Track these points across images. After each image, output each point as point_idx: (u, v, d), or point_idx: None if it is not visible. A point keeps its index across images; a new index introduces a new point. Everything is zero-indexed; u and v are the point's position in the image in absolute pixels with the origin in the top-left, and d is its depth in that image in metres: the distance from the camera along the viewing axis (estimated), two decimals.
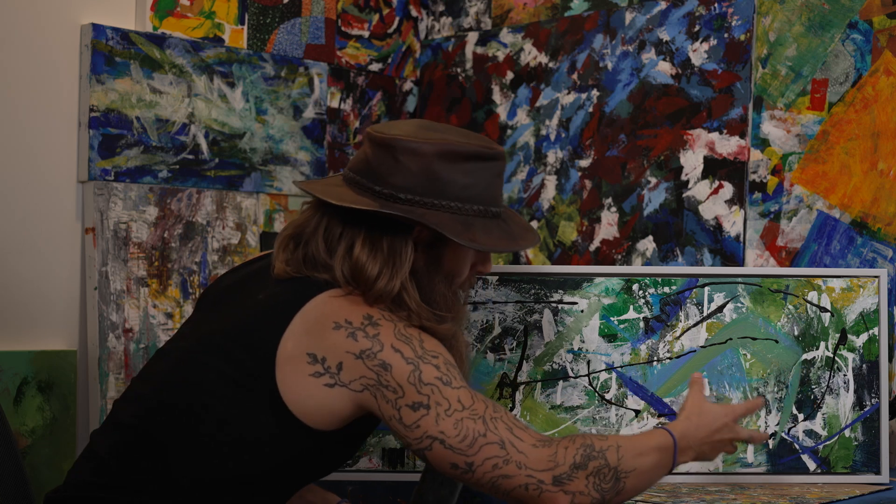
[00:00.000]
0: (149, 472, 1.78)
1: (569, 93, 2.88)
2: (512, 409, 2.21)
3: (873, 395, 2.22)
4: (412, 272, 1.82)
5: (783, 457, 2.21)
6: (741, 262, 2.57)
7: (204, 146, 2.68)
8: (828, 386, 2.22)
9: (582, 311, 2.24)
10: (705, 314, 2.24)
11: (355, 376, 1.73)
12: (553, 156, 2.89)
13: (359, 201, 1.81)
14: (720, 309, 2.23)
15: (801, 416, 2.22)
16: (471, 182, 1.83)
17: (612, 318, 2.24)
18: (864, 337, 2.23)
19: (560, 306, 2.24)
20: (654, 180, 2.72)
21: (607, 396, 2.22)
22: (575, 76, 2.87)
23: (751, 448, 2.21)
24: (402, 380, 1.72)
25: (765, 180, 2.57)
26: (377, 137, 1.84)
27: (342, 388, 1.74)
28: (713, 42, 2.65)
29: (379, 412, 1.75)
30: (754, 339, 2.23)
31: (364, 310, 1.77)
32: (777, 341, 2.23)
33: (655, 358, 2.23)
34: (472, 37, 3.08)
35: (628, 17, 2.80)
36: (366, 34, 3.08)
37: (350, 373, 1.73)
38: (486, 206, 1.86)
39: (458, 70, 3.10)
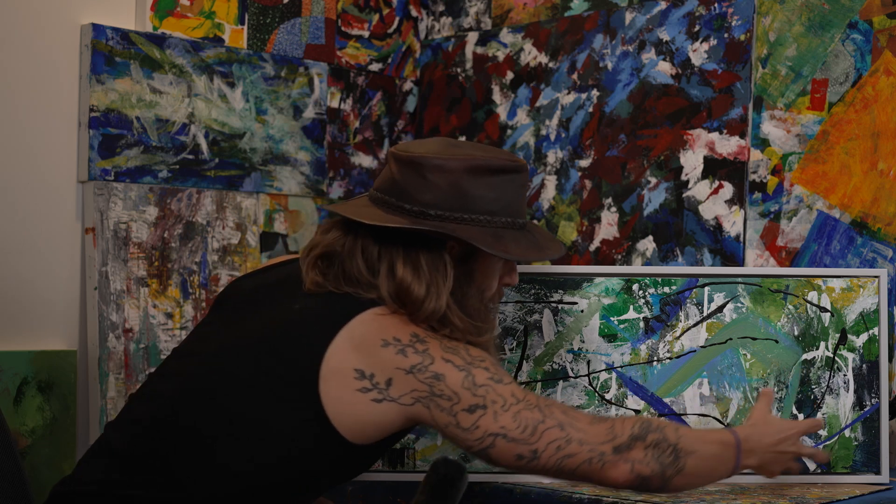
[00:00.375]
0: (166, 470, 1.78)
1: (569, 93, 2.88)
2: None
3: (873, 395, 2.22)
4: None
5: None
6: (741, 262, 2.57)
7: (204, 146, 2.68)
8: (828, 386, 2.22)
9: (582, 311, 2.24)
10: (705, 314, 2.24)
11: (406, 391, 1.76)
12: (553, 156, 2.89)
13: (391, 220, 1.84)
14: (720, 309, 2.23)
15: (801, 416, 2.22)
16: (498, 195, 1.87)
17: (612, 318, 2.24)
18: (864, 337, 2.23)
19: (560, 306, 2.24)
20: (654, 180, 2.72)
21: (607, 396, 2.22)
22: (575, 76, 2.87)
23: None
24: (457, 387, 1.76)
25: (765, 180, 2.57)
26: (403, 157, 1.87)
27: (391, 402, 1.77)
28: (713, 42, 2.65)
29: (433, 422, 1.78)
30: (754, 339, 2.23)
31: (411, 329, 1.80)
32: (777, 341, 2.23)
33: (655, 358, 2.23)
34: (472, 37, 3.08)
35: (628, 17, 2.80)
36: (366, 34, 3.08)
37: (400, 388, 1.76)
38: (514, 217, 1.90)
39: (458, 70, 3.10)
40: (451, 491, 1.96)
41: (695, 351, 2.24)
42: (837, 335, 2.23)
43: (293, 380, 1.78)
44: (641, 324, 2.24)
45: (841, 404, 2.22)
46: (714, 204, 2.63)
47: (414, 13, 3.18)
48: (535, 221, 2.88)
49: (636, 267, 2.65)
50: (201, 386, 1.82)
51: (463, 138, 3.07)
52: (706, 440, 1.84)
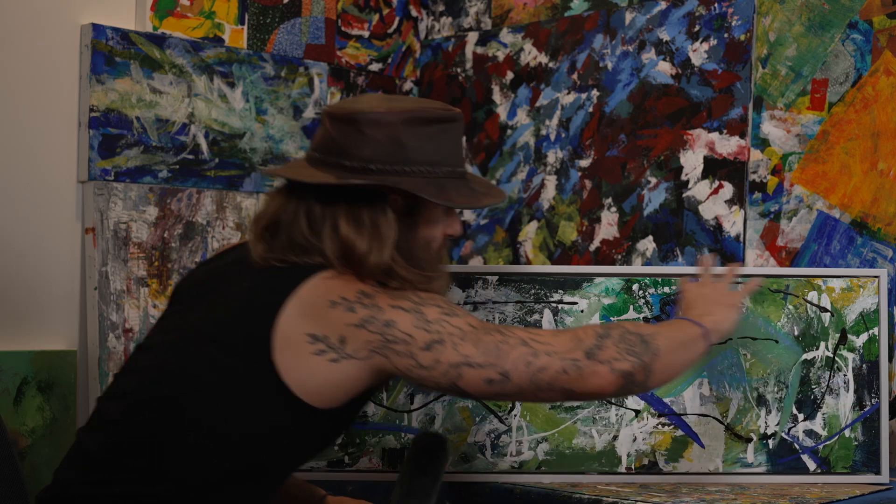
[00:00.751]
0: (139, 467, 1.78)
1: (569, 93, 2.88)
2: (512, 409, 2.21)
3: (873, 395, 2.22)
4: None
5: (783, 457, 2.21)
6: (741, 262, 2.57)
7: (204, 146, 2.68)
8: (828, 386, 2.22)
9: (582, 311, 2.24)
10: None
11: (360, 345, 1.75)
12: (553, 156, 2.89)
13: (331, 178, 1.82)
14: None
15: (801, 416, 2.22)
16: (437, 146, 1.86)
17: (612, 318, 2.24)
18: (864, 337, 2.23)
19: (560, 306, 2.24)
20: (654, 180, 2.72)
21: None
22: (575, 76, 2.87)
23: (751, 448, 2.21)
24: (409, 328, 1.75)
25: (765, 180, 2.57)
26: (339, 114, 1.85)
27: (349, 359, 1.76)
28: (713, 42, 2.65)
29: (396, 370, 1.77)
30: (754, 339, 2.23)
31: (357, 286, 1.78)
32: (777, 341, 2.23)
33: None
34: (472, 37, 3.08)
35: (628, 17, 2.80)
36: (366, 34, 3.08)
37: (354, 343, 1.75)
38: (454, 167, 1.89)
39: (458, 70, 3.10)
40: (432, 463, 1.92)
41: None
42: (837, 335, 2.23)
43: (249, 356, 1.77)
44: None
45: (841, 404, 2.22)
46: (714, 204, 2.63)
47: (414, 13, 3.18)
48: (535, 222, 2.88)
49: (636, 267, 2.65)
50: (166, 378, 1.82)
51: (462, 138, 3.07)
52: (661, 325, 1.88)
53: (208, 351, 1.79)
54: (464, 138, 1.96)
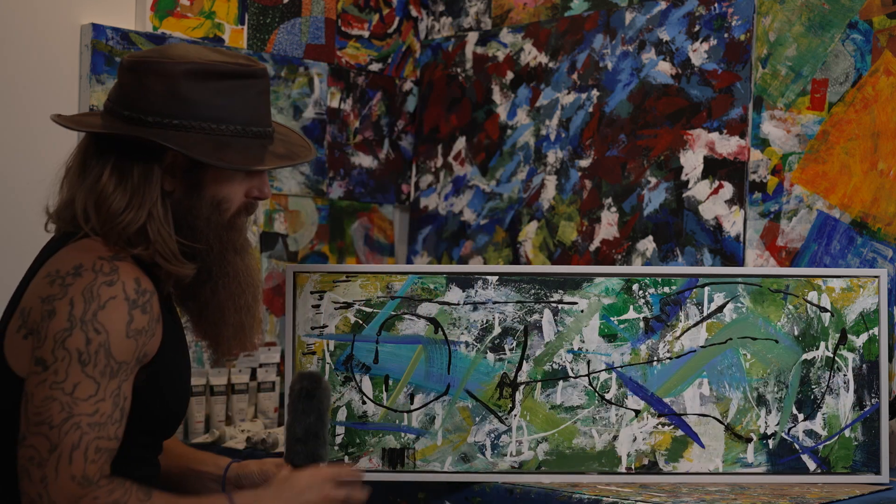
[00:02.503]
0: None
1: (569, 93, 2.88)
2: (512, 409, 2.21)
3: (873, 395, 2.22)
4: (172, 201, 1.76)
5: (783, 457, 2.21)
6: (741, 262, 2.57)
7: None
8: (828, 386, 2.22)
9: (582, 311, 2.24)
10: (705, 314, 2.24)
11: (37, 319, 1.66)
12: (553, 156, 2.89)
13: (101, 126, 1.75)
14: (720, 309, 2.23)
15: (801, 416, 2.22)
16: (226, 102, 1.76)
17: (612, 318, 2.24)
18: (864, 337, 2.23)
19: (560, 306, 2.24)
20: (654, 180, 2.72)
21: (607, 396, 2.22)
22: (575, 76, 2.87)
23: (751, 448, 2.21)
24: (51, 333, 1.63)
25: (765, 180, 2.57)
26: (126, 61, 1.77)
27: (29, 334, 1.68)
28: (713, 42, 2.65)
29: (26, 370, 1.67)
30: (754, 339, 2.23)
31: (81, 258, 1.68)
32: (777, 341, 2.23)
33: (655, 358, 2.23)
34: (472, 37, 3.08)
35: (628, 17, 2.80)
36: (366, 34, 3.08)
37: (33, 316, 1.67)
38: (247, 125, 1.79)
39: (458, 70, 3.10)
40: (310, 403, 1.88)
41: (695, 351, 2.23)
42: (837, 335, 2.23)
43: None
44: (641, 324, 2.24)
45: (841, 404, 2.22)
46: (714, 204, 2.63)
47: (414, 13, 3.18)
48: (536, 222, 2.88)
49: (636, 267, 2.65)
50: None
51: (463, 138, 3.08)
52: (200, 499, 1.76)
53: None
54: (269, 96, 1.85)
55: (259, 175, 1.84)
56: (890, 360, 2.32)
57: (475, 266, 2.71)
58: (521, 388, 2.22)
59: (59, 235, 1.79)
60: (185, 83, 1.73)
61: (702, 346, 2.23)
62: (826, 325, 2.23)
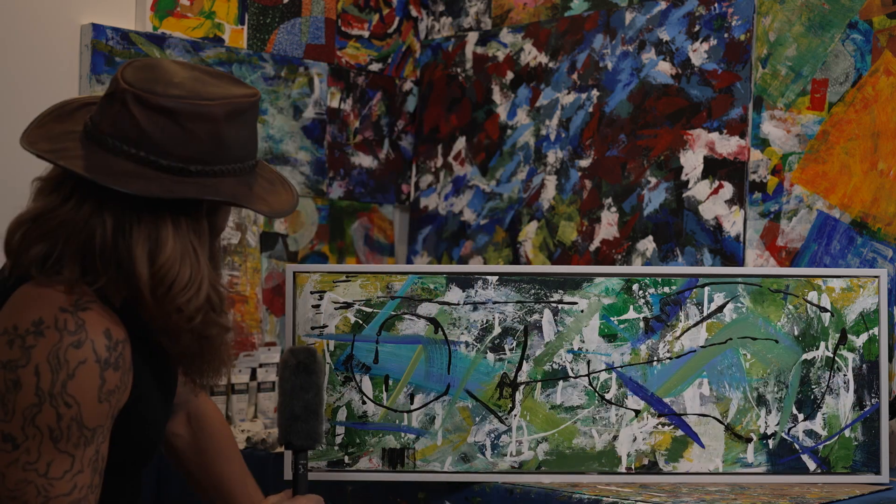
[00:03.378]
0: None
1: (569, 93, 2.88)
2: (512, 409, 2.21)
3: (873, 395, 2.22)
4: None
5: (783, 457, 2.21)
6: (741, 262, 2.57)
7: None
8: (828, 386, 2.22)
9: (582, 311, 2.24)
10: (705, 314, 2.24)
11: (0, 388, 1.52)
12: (553, 156, 2.89)
13: (158, 187, 1.56)
14: (720, 309, 2.23)
15: (801, 416, 2.22)
16: (245, 136, 1.64)
17: (612, 318, 2.24)
18: (864, 337, 2.23)
19: (560, 306, 2.24)
20: (654, 180, 2.72)
21: (607, 396, 2.22)
22: (575, 76, 2.87)
23: (751, 448, 2.21)
24: (19, 408, 1.50)
25: (765, 180, 2.57)
26: (153, 102, 1.56)
27: None
28: (713, 42, 2.65)
29: None
30: (754, 339, 2.23)
31: (40, 311, 1.53)
32: (777, 341, 2.23)
33: (655, 358, 2.23)
34: (472, 37, 3.08)
35: (628, 17, 2.80)
36: (366, 34, 3.08)
37: None
38: (254, 158, 1.68)
39: (458, 70, 3.10)
40: (308, 378, 1.80)
41: (695, 351, 2.23)
42: (837, 335, 2.23)
43: None
44: (641, 324, 2.24)
45: (841, 404, 2.22)
46: (714, 204, 2.63)
47: (414, 13, 3.18)
48: (536, 222, 2.88)
49: (636, 267, 2.65)
50: None
51: (463, 138, 3.08)
52: None
53: None
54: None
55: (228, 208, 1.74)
56: (890, 360, 2.32)
57: (475, 266, 2.71)
58: (521, 388, 2.22)
59: (9, 275, 1.61)
60: (225, 126, 1.60)
61: (702, 346, 2.23)
62: (826, 325, 2.23)
